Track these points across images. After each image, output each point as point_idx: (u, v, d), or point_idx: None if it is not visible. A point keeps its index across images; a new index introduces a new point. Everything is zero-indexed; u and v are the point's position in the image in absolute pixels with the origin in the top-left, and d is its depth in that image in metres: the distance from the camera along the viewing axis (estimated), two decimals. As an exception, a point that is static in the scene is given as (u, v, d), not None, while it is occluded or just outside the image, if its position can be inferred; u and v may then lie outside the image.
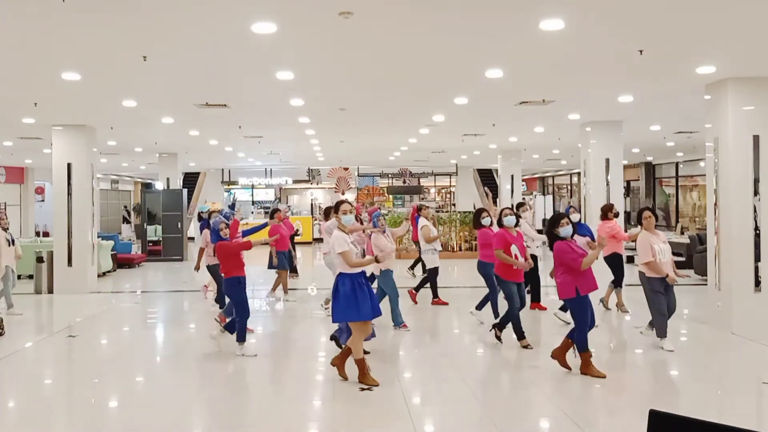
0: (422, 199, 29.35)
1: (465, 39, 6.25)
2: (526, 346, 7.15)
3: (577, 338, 6.12)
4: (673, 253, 14.95)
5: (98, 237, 12.95)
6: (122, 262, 15.77)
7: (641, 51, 6.60)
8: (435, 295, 10.09)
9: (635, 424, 4.81)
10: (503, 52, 6.88)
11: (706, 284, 8.77)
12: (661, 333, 7.02)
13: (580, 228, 8.26)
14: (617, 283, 9.21)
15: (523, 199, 19.31)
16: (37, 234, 22.68)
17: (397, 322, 8.23)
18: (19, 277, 13.54)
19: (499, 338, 7.34)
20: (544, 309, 9.39)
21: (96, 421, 5.20)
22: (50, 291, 11.70)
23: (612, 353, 7.22)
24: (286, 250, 10.73)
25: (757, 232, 7.97)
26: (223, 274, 7.20)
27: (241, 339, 7.04)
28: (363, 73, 7.87)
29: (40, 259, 11.74)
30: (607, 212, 9.26)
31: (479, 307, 8.52)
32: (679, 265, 13.97)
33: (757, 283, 7.97)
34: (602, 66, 7.55)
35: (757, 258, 7.96)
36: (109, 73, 7.68)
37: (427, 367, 6.63)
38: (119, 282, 13.61)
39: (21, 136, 13.71)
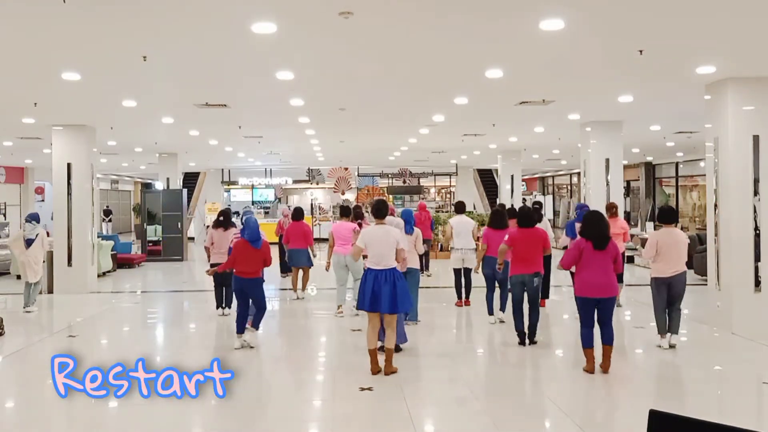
0: (422, 198, 29.36)
1: (465, 39, 6.25)
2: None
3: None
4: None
5: (98, 237, 12.95)
6: (122, 262, 15.76)
7: (641, 51, 6.59)
8: (460, 296, 9.85)
9: (635, 424, 4.81)
10: (503, 52, 6.88)
11: (706, 284, 8.77)
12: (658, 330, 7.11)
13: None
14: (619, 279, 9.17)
15: (523, 199, 19.29)
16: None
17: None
18: (18, 277, 13.62)
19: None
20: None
21: (96, 421, 5.20)
22: (50, 291, 11.68)
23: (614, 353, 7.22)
24: (297, 248, 10.67)
25: (757, 232, 7.97)
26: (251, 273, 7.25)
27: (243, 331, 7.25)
28: (363, 73, 7.87)
29: (40, 259, 11.74)
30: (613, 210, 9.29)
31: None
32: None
33: (757, 283, 7.96)
34: (602, 66, 7.55)
35: (757, 258, 7.95)
36: (109, 73, 7.68)
37: (427, 368, 6.63)
38: (119, 282, 13.61)
39: (21, 136, 13.70)
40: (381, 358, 6.18)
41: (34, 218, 10.04)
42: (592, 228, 6.21)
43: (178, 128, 12.86)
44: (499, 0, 5.15)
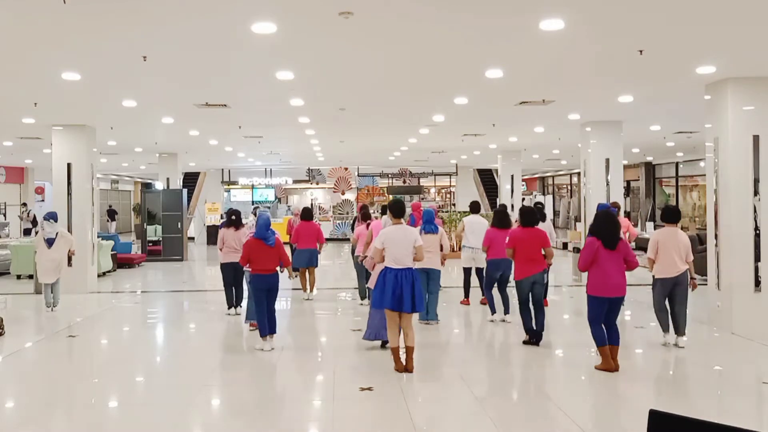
0: (422, 199, 29.36)
1: (465, 39, 6.25)
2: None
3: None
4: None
5: (98, 237, 12.94)
6: (122, 262, 15.76)
7: (641, 51, 6.60)
8: (467, 294, 10.07)
9: (635, 424, 4.81)
10: (503, 52, 6.88)
11: (706, 284, 8.78)
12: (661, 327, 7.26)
13: None
14: None
15: (523, 199, 19.30)
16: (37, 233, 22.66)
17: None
18: (18, 277, 13.62)
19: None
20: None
21: (96, 421, 5.20)
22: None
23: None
24: (307, 248, 10.64)
25: (757, 232, 7.97)
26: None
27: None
28: (363, 73, 7.87)
29: (40, 259, 11.72)
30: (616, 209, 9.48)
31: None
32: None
33: (757, 283, 7.97)
34: (602, 66, 7.55)
35: (757, 258, 7.96)
36: (109, 73, 7.68)
37: (428, 367, 6.62)
38: (119, 282, 13.60)
39: (21, 136, 13.71)
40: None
41: (52, 217, 9.95)
42: (602, 227, 6.25)
43: (178, 128, 12.86)
44: (499, 0, 5.15)
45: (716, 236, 8.25)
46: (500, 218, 8.67)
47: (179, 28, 5.88)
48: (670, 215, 7.20)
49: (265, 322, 7.19)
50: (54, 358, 7.45)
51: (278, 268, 7.29)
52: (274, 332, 7.30)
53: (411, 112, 11.26)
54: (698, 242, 13.20)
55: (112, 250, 14.92)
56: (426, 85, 8.69)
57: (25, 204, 23.86)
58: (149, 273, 15.40)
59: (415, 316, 7.09)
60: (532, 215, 7.40)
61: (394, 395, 5.57)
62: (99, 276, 12.85)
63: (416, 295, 6.17)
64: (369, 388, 5.71)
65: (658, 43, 6.42)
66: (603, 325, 6.27)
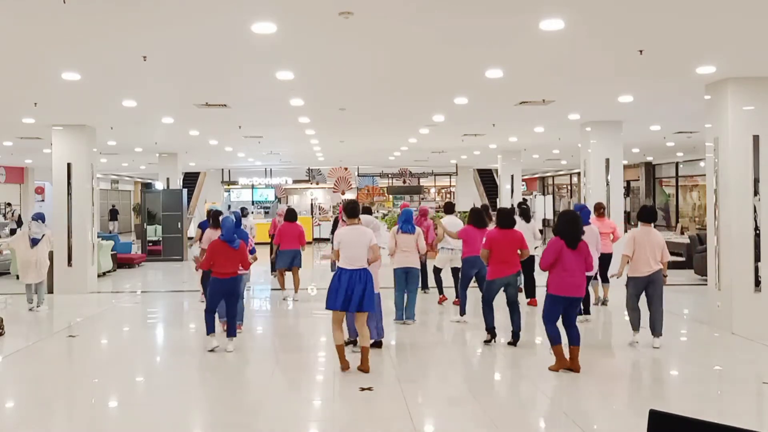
0: (422, 199, 29.37)
1: (465, 39, 6.25)
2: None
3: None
4: (674, 253, 15.14)
5: (98, 237, 12.94)
6: (122, 262, 15.76)
7: (641, 51, 6.60)
8: (442, 291, 10.19)
9: (635, 424, 4.81)
10: (503, 52, 6.88)
11: (706, 284, 8.78)
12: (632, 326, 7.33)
13: None
14: (604, 278, 9.39)
15: (524, 199, 19.31)
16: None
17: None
18: (18, 277, 13.61)
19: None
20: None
21: (96, 421, 5.20)
22: (50, 291, 11.65)
23: (611, 352, 7.22)
24: (290, 249, 10.65)
25: (757, 232, 7.97)
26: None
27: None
28: (363, 73, 7.87)
29: (40, 259, 11.72)
30: (601, 210, 9.53)
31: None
32: (679, 265, 14.05)
33: (757, 283, 7.97)
34: (602, 66, 7.55)
35: (757, 258, 7.95)
36: (109, 73, 7.68)
37: (427, 367, 6.63)
38: (119, 282, 13.60)
39: (21, 136, 13.71)
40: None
41: (40, 218, 10.03)
42: (564, 227, 6.28)
43: (178, 128, 12.86)
44: (499, 0, 5.15)
45: (716, 236, 8.24)
46: (476, 218, 8.66)
47: (179, 28, 5.88)
48: (646, 215, 7.26)
49: (212, 320, 7.17)
50: (54, 358, 7.45)
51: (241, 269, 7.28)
52: (234, 335, 7.24)
53: (411, 112, 11.26)
54: (698, 242, 13.21)
55: (112, 250, 14.92)
56: (426, 85, 8.69)
57: (9, 204, 23.76)
58: (149, 273, 15.40)
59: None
60: (508, 217, 7.39)
61: (394, 395, 5.57)
62: (99, 276, 12.85)
63: (366, 295, 6.10)
64: (369, 388, 5.71)
65: (658, 43, 6.41)
66: (563, 326, 6.31)
